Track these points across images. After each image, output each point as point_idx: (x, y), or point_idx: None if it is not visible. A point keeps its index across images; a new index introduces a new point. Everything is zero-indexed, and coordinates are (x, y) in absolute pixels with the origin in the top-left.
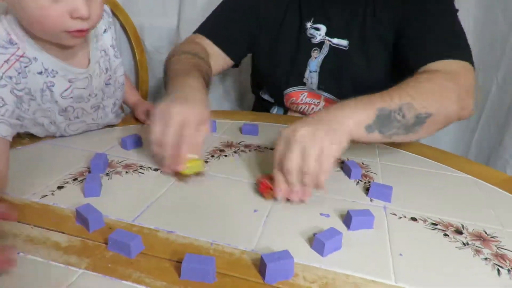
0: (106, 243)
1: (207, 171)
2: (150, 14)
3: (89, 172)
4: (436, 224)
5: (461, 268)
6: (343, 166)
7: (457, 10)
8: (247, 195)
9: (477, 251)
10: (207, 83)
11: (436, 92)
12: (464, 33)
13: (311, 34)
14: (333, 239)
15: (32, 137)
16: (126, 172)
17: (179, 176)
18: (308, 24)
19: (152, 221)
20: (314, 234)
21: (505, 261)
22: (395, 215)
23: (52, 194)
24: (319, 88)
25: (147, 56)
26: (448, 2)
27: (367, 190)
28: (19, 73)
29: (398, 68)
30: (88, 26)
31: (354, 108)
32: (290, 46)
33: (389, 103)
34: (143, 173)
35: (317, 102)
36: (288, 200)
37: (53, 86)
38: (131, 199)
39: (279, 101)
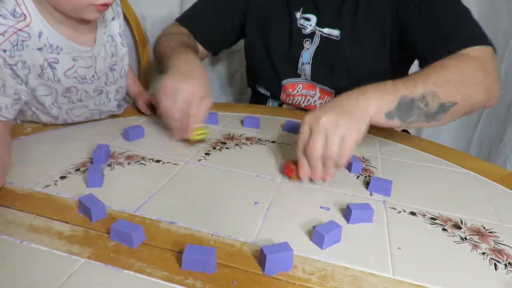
0: (108, 233)
1: (211, 138)
2: (152, 4)
3: (92, 162)
4: (435, 219)
5: (458, 262)
6: None
7: None
8: (248, 187)
9: (475, 246)
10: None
11: (463, 81)
12: (473, 17)
13: (301, 24)
14: (332, 232)
15: (35, 127)
16: (128, 163)
17: (188, 142)
18: (298, 14)
19: (154, 212)
20: (314, 227)
21: (503, 256)
22: (395, 209)
23: (55, 184)
24: (312, 79)
25: (148, 46)
26: None
27: (367, 184)
28: (14, 45)
29: (399, 55)
30: (112, 0)
31: (377, 95)
32: (282, 37)
33: (412, 91)
34: (145, 164)
35: (313, 94)
36: (311, 180)
37: (56, 63)
38: (133, 190)
39: (275, 94)
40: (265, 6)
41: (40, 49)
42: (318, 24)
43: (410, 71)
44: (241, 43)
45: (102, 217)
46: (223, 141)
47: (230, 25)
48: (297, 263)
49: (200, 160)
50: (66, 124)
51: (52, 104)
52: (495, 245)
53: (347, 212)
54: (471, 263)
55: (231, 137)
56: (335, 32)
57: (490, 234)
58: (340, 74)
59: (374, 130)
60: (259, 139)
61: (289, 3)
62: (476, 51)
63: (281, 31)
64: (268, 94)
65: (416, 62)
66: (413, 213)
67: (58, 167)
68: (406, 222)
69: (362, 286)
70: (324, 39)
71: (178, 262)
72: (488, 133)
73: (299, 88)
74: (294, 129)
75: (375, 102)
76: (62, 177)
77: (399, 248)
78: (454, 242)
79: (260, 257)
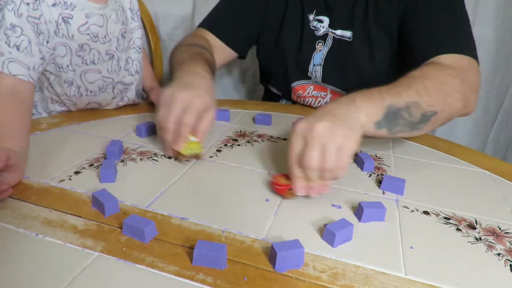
0: (121, 228)
1: (204, 155)
2: (165, 2)
3: (105, 158)
4: (449, 219)
5: (472, 263)
6: (356, 158)
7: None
8: (260, 184)
9: (490, 247)
10: (212, 72)
11: (442, 90)
12: (470, 26)
13: (314, 26)
14: (344, 230)
15: (50, 124)
16: (141, 159)
17: (179, 156)
18: (311, 16)
19: (166, 208)
20: (325, 225)
21: None
22: (407, 208)
23: (69, 179)
24: (323, 81)
25: (161, 44)
26: None
27: (379, 182)
28: (35, 0)
29: (402, 58)
30: None
31: (365, 102)
32: (294, 39)
33: (397, 100)
34: (157, 160)
35: (324, 95)
36: (306, 196)
37: (70, 19)
38: (145, 185)
39: (286, 94)
40: (280, 7)
41: (54, 5)
42: (331, 25)
43: None
44: None
45: (115, 212)
46: (234, 138)
47: (253, 25)
48: (308, 261)
49: (211, 156)
50: (80, 120)
51: (68, 66)
52: (511, 246)
53: (358, 211)
54: (485, 264)
55: (242, 134)
56: (348, 34)
57: (506, 234)
58: (352, 75)
59: None
60: (270, 136)
61: (303, 5)
62: (452, 59)
63: (293, 32)
64: (279, 94)
65: None
66: (426, 213)
67: (72, 162)
68: (419, 221)
69: (373, 284)
70: (337, 41)
71: (189, 258)
72: (504, 133)
73: (310, 89)
74: None
75: (364, 111)
76: (76, 172)
77: (411, 248)
78: (469, 242)
79: (271, 254)
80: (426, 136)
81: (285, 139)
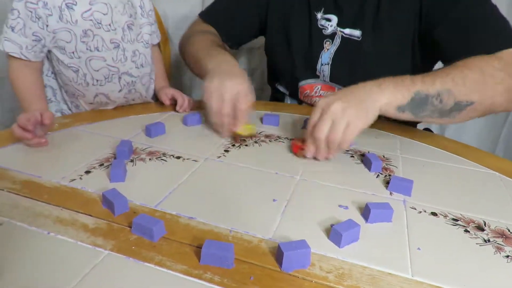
0: (130, 227)
1: (209, 149)
2: (174, 1)
3: (115, 158)
4: (457, 220)
5: (480, 265)
6: (364, 158)
7: None
8: (267, 184)
9: (499, 249)
10: None
11: (483, 81)
12: (504, 17)
13: (322, 25)
14: (350, 230)
15: (62, 124)
16: (150, 159)
17: (236, 137)
18: (319, 15)
19: (174, 207)
20: (332, 225)
21: None
22: (415, 209)
23: (80, 178)
24: (331, 80)
25: (170, 43)
26: None
27: (387, 183)
28: None
29: (423, 57)
30: None
31: (392, 88)
32: (302, 38)
33: (428, 87)
34: (166, 161)
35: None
36: (315, 158)
37: (74, 5)
38: (154, 185)
39: (294, 93)
40: (286, 6)
41: None
42: (339, 24)
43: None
44: (261, 40)
45: (124, 211)
46: (242, 138)
47: (251, 20)
48: (314, 261)
49: (219, 157)
50: (91, 121)
51: (73, 53)
52: None
53: (365, 211)
54: (494, 266)
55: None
56: (357, 33)
57: None
58: (360, 74)
59: (396, 129)
60: (278, 137)
61: (309, 3)
62: (504, 53)
63: (301, 31)
64: (287, 92)
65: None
66: (434, 214)
67: (83, 162)
68: (427, 223)
69: (379, 285)
70: (345, 40)
71: (197, 257)
72: None
73: (318, 89)
74: None
75: (388, 95)
76: (87, 172)
77: (418, 249)
78: (477, 244)
79: (278, 254)
80: (435, 137)
81: (292, 139)
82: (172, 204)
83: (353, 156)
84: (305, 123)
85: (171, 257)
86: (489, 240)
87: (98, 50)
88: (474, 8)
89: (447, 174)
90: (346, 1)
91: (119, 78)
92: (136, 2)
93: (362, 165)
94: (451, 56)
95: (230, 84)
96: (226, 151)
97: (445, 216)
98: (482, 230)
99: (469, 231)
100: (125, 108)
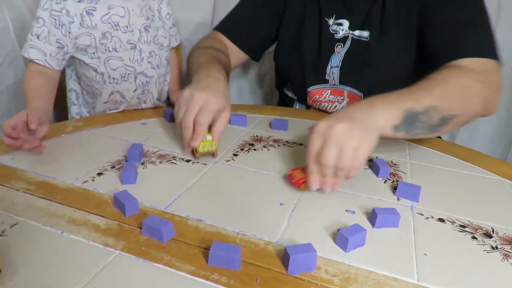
0: (140, 228)
1: (219, 153)
2: (185, 8)
3: (126, 161)
4: (465, 226)
5: (488, 271)
6: (372, 164)
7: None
8: (275, 188)
9: (506, 256)
10: (227, 74)
11: (463, 95)
12: (491, 27)
13: (334, 30)
14: (357, 235)
15: (75, 126)
16: (160, 162)
17: (195, 153)
18: (331, 21)
19: (183, 210)
20: (338, 230)
21: None
22: (422, 215)
23: (93, 180)
24: (341, 83)
25: (181, 49)
26: None
27: (394, 189)
28: None
29: (422, 58)
30: None
31: (384, 107)
32: (312, 43)
33: (416, 104)
34: (175, 164)
35: (341, 99)
36: (319, 189)
37: (94, 11)
38: (164, 187)
39: (302, 98)
40: (298, 12)
41: (80, 1)
42: (351, 27)
43: None
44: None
45: (135, 212)
46: (251, 142)
47: (268, 29)
48: (320, 265)
49: (228, 160)
50: (103, 124)
51: (94, 53)
52: None
53: (372, 216)
54: (501, 273)
55: (259, 139)
56: (365, 34)
57: None
58: (369, 75)
59: None
60: (286, 142)
61: (320, 10)
62: (476, 63)
63: (312, 37)
64: (295, 98)
65: None
66: (441, 220)
67: (95, 164)
68: (434, 229)
69: None
70: (355, 41)
71: (204, 258)
72: None
73: (327, 94)
74: None
75: (383, 115)
76: (99, 174)
77: (425, 255)
78: (484, 251)
79: (284, 256)
80: (444, 143)
81: (301, 144)
82: (181, 206)
83: None
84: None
85: (179, 258)
86: (497, 247)
87: (116, 51)
88: (463, 13)
89: (455, 181)
90: (356, 5)
91: (135, 77)
92: (154, 6)
93: (369, 170)
94: (433, 57)
95: (199, 95)
96: (235, 155)
97: (453, 223)
98: (490, 237)
99: (476, 238)
100: (136, 112)
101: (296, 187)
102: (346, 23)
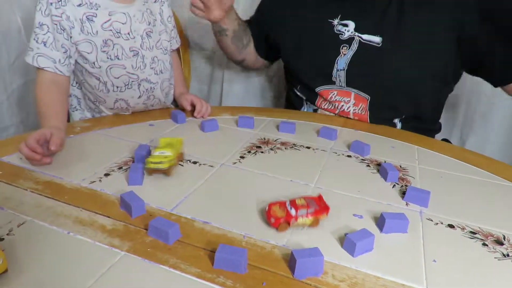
0: (146, 229)
1: (225, 156)
2: None
3: (133, 162)
4: (475, 233)
5: (499, 279)
6: (380, 168)
7: None
8: (282, 191)
9: None
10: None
11: None
12: None
13: (339, 30)
14: (364, 240)
15: (83, 127)
16: None
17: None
18: (335, 21)
19: (190, 211)
20: (346, 234)
21: None
22: (431, 220)
23: (100, 180)
24: (348, 85)
25: (190, 51)
26: None
27: (403, 193)
28: (59, 1)
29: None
30: None
31: None
32: (317, 44)
33: None
34: (182, 165)
35: (347, 100)
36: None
37: (95, 17)
38: (170, 189)
39: (311, 98)
40: (302, 13)
41: (80, 5)
42: (357, 29)
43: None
44: None
45: (141, 213)
46: (258, 145)
47: (265, 35)
48: (327, 269)
49: (235, 163)
50: (111, 125)
51: (94, 63)
52: None
53: (380, 221)
54: None
55: (266, 142)
56: (376, 39)
57: None
58: (378, 81)
59: (413, 139)
60: (294, 144)
61: (325, 11)
62: None
63: (316, 37)
64: (304, 98)
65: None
66: (451, 226)
67: (102, 165)
68: (443, 235)
69: None
70: (363, 45)
71: (210, 261)
72: None
73: (333, 94)
74: (329, 135)
75: None
76: (106, 174)
77: (434, 261)
78: (495, 258)
79: (291, 260)
80: (454, 148)
81: (308, 147)
82: (187, 208)
83: (369, 166)
84: (322, 132)
85: (185, 260)
86: (508, 255)
87: (118, 59)
88: None
89: (466, 186)
90: (365, 8)
91: (139, 85)
92: (155, 9)
93: (378, 175)
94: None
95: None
96: (242, 157)
97: (463, 229)
98: (501, 244)
99: (487, 245)
100: (144, 114)
101: (275, 228)
102: (351, 24)
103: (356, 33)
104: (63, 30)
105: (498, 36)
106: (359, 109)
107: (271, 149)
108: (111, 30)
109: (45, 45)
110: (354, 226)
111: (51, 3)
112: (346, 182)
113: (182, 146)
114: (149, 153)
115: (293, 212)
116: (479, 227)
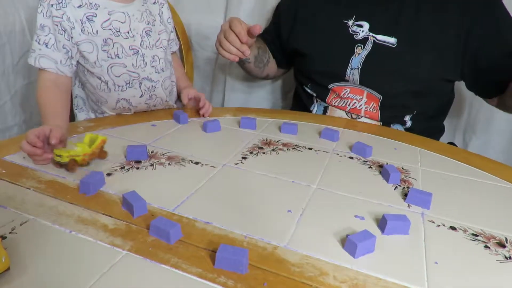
0: (148, 229)
1: (227, 156)
2: (197, 12)
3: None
4: (477, 235)
5: (501, 282)
6: (382, 170)
7: None
8: (283, 192)
9: None
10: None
11: None
12: None
13: (353, 31)
14: (366, 241)
15: (86, 127)
16: (169, 163)
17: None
18: (350, 22)
19: (191, 212)
20: (347, 235)
21: None
22: (433, 222)
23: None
24: (361, 84)
25: (193, 53)
26: None
27: (405, 195)
28: (59, 2)
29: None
30: None
31: None
32: (332, 43)
33: None
34: (184, 165)
35: (360, 98)
36: None
37: (95, 16)
38: (172, 189)
39: (322, 95)
40: (316, 12)
41: (80, 6)
42: (371, 30)
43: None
44: None
45: (143, 213)
46: (260, 146)
47: (288, 45)
48: (328, 271)
49: (237, 163)
50: (114, 125)
51: (95, 62)
52: None
53: (382, 223)
54: None
55: (268, 142)
56: (391, 40)
57: None
58: (392, 81)
59: (416, 141)
60: (296, 145)
61: (339, 12)
62: None
63: (331, 37)
64: (314, 95)
65: None
66: (453, 228)
67: (105, 165)
68: (445, 237)
69: None
70: (377, 45)
71: (211, 261)
72: None
73: (346, 91)
74: (331, 137)
75: None
76: (108, 174)
77: (436, 263)
78: (497, 261)
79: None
80: (457, 150)
81: (310, 149)
82: (189, 208)
83: (371, 167)
84: (324, 133)
85: (186, 260)
86: (510, 257)
87: (118, 57)
88: None
89: (468, 188)
90: (378, 9)
91: (140, 83)
92: (155, 10)
93: (380, 176)
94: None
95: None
96: (244, 158)
97: (465, 231)
98: (504, 246)
99: (489, 247)
100: (146, 114)
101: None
102: (366, 25)
103: (371, 33)
104: (64, 31)
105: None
106: (370, 107)
107: (273, 150)
108: (110, 29)
109: (46, 46)
110: (355, 228)
111: (52, 5)
112: (347, 183)
113: (103, 145)
114: (145, 152)
115: None
116: (481, 229)
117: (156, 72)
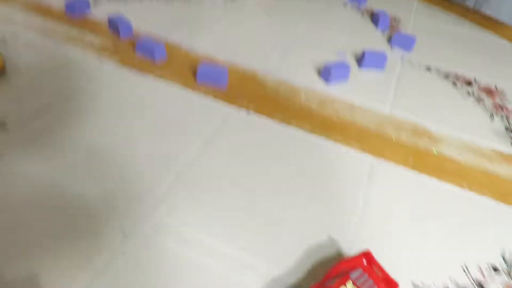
0: (134, 50)
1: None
2: None
3: None
4: (449, 76)
5: (458, 110)
6: (373, 16)
7: None
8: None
9: (480, 100)
10: None
11: None
12: None
13: None
14: (340, 68)
15: None
16: None
17: None
18: None
19: (176, 36)
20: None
21: (503, 110)
22: (411, 62)
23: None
24: None
25: None
26: None
27: (390, 39)
28: None
29: None
30: None
31: None
32: None
33: None
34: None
35: None
36: None
37: None
38: (160, 16)
39: None
40: None
41: None
42: None
43: None
44: None
45: (129, 34)
46: None
47: None
48: (300, 92)
49: None
50: None
51: None
52: (500, 102)
53: (360, 57)
54: (472, 113)
55: None
56: None
57: (499, 93)
58: None
59: None
60: None
61: None
62: None
63: None
64: None
65: None
66: (428, 69)
67: None
68: (419, 75)
69: (355, 114)
70: None
71: (194, 79)
72: None
73: None
74: None
75: None
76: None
77: (403, 93)
78: (460, 95)
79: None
80: (455, 6)
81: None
82: (174, 33)
83: (363, 15)
84: None
85: (170, 77)
86: (473, 93)
87: None
88: None
89: (456, 38)
90: None
91: None
92: None
93: (371, 24)
94: None
95: None
96: None
97: (438, 71)
98: (470, 84)
99: (456, 84)
100: None
101: None
102: None
103: None
104: None
105: None
106: None
107: None
108: None
109: None
110: (334, 61)
111: None
112: (336, 26)
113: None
114: None
115: None
116: (456, 72)
117: None
